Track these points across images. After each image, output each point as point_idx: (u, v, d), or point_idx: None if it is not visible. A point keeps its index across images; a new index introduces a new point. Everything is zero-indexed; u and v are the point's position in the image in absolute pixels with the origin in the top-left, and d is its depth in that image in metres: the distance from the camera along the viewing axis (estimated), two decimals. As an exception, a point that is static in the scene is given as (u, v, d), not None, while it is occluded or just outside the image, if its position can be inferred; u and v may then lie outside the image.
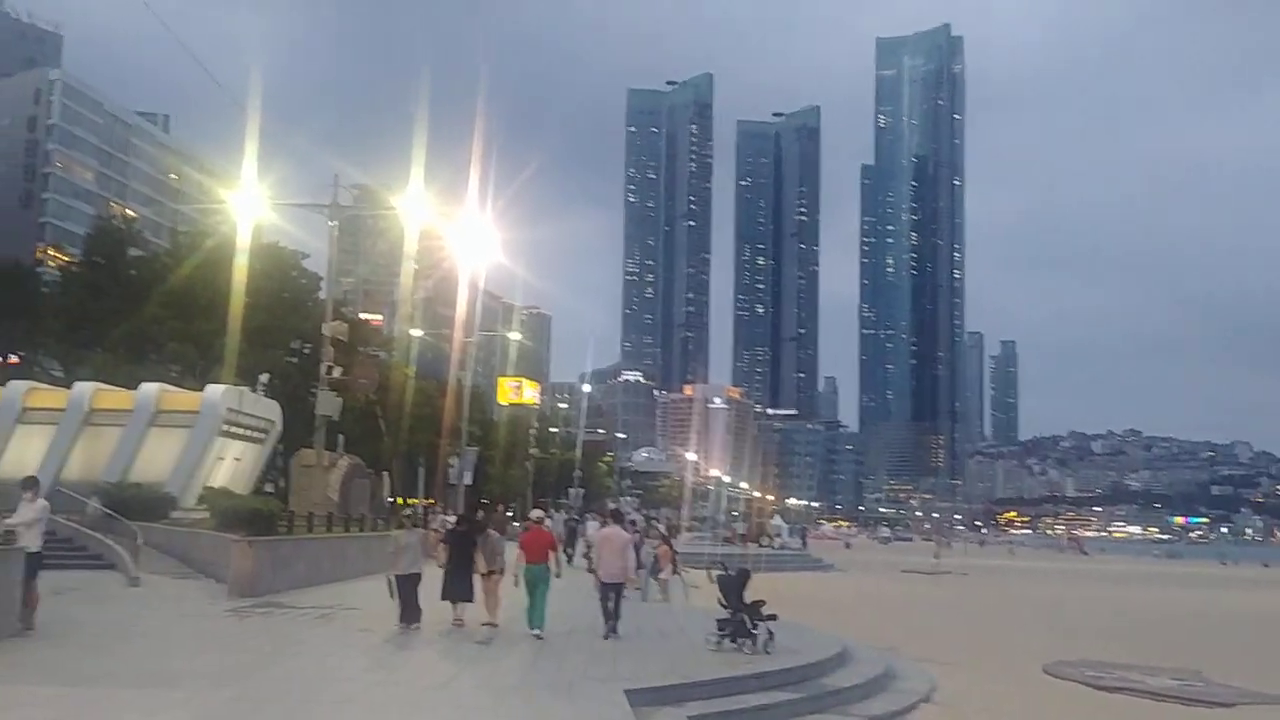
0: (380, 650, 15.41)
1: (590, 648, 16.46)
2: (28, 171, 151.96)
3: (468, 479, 53.99)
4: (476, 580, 17.64)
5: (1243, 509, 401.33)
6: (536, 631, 16.98)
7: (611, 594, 17.61)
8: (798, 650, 17.01)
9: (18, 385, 35.98)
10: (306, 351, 48.46)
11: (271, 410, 38.78)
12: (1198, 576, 72.34)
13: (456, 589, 17.51)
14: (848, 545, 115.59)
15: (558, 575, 17.86)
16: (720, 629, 16.91)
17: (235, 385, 36.53)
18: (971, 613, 34.22)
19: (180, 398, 35.54)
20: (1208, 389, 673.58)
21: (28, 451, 33.29)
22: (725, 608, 17.23)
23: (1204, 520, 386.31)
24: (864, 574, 59.68)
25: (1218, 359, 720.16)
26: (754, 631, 16.63)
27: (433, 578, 17.83)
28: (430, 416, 61.03)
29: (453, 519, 25.44)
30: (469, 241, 42.20)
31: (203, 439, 33.59)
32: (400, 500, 57.50)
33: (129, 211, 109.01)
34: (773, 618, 16.92)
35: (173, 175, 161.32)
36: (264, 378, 37.54)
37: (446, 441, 53.54)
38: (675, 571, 25.90)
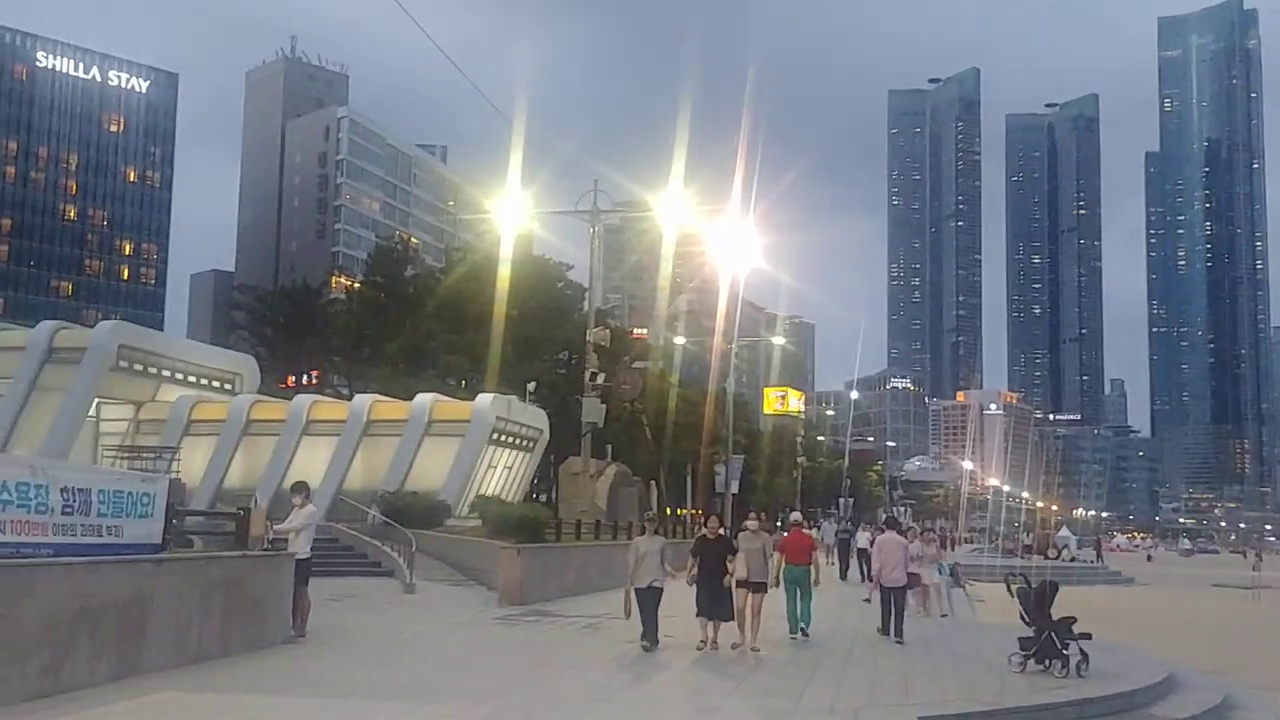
0: (644, 665, 14.36)
1: (873, 665, 14.88)
2: (320, 205, 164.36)
3: (734, 487, 53.05)
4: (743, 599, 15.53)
5: None
6: (802, 627, 17.50)
7: (892, 598, 17.85)
8: (1116, 674, 14.74)
9: (303, 399, 37.92)
10: (572, 361, 49.01)
11: (539, 418, 39.15)
12: None
13: (712, 605, 15.32)
14: (1150, 558, 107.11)
15: (816, 583, 17.75)
16: (1024, 648, 14.85)
17: (504, 394, 37.02)
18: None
19: (452, 407, 36.35)
20: None
21: (313, 462, 34.87)
22: (1028, 624, 15.15)
23: None
24: (1168, 588, 54.54)
25: None
26: (1064, 652, 14.51)
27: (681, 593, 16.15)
28: (694, 425, 60.65)
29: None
30: (730, 248, 41.36)
31: (474, 447, 34.14)
32: (668, 510, 57.34)
33: (412, 238, 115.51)
34: (1086, 636, 14.73)
35: (451, 202, 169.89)
36: (531, 386, 37.94)
37: (711, 450, 52.81)
38: (959, 584, 24.04)
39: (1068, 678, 14.19)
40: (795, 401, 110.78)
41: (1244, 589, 53.90)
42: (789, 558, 17.44)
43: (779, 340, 76.99)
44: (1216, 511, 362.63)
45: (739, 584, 15.42)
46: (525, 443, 38.31)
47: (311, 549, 16.22)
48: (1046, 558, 64.56)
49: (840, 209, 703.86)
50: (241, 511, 15.52)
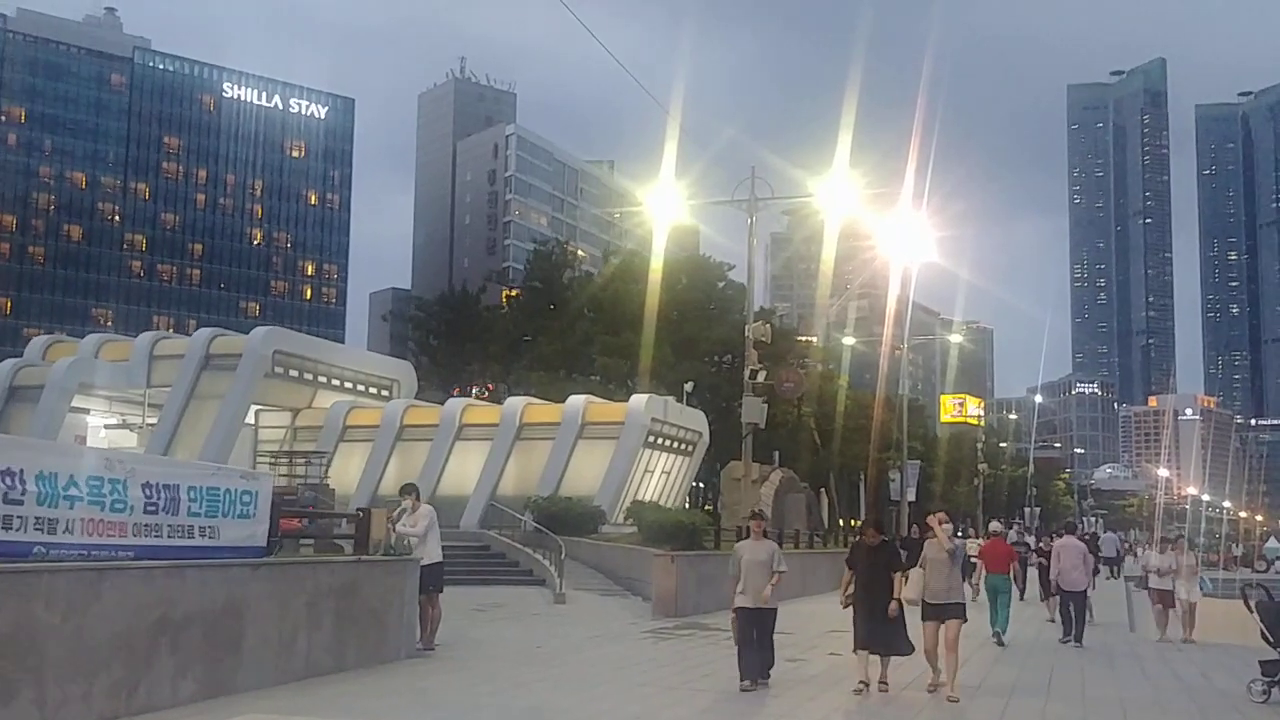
0: (802, 690, 12.39)
1: (1080, 694, 12.53)
2: (490, 221, 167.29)
3: (910, 495, 50.24)
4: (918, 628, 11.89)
5: None
6: (998, 630, 17.72)
7: (1072, 602, 17.89)
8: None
9: (456, 403, 37.25)
10: (733, 362, 47.25)
11: (698, 420, 37.38)
12: None
13: (872, 634, 11.60)
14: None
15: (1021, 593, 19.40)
16: (1267, 673, 12.27)
17: (659, 395, 35.46)
18: None
19: (606, 409, 35.00)
20: None
21: (466, 467, 34.08)
22: (1272, 645, 12.53)
23: None
24: None
25: None
26: (1319, 681, 11.88)
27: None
28: (865, 429, 57.94)
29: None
30: (901, 242, 38.95)
31: (628, 450, 32.64)
32: (841, 520, 54.85)
33: (579, 251, 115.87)
34: (1353, 663, 12.07)
35: (617, 215, 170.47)
36: (688, 387, 36.22)
37: (884, 455, 50.09)
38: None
39: (1327, 714, 11.61)
40: (974, 408, 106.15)
41: None
42: (988, 565, 18.34)
43: (955, 338, 73.03)
44: None
45: (925, 610, 11.85)
46: (684, 446, 36.63)
47: (442, 553, 14.94)
48: (1254, 570, 59.40)
49: (1018, 209, 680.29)
50: (361, 513, 14.29)
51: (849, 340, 59.83)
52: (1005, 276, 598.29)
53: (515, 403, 35.99)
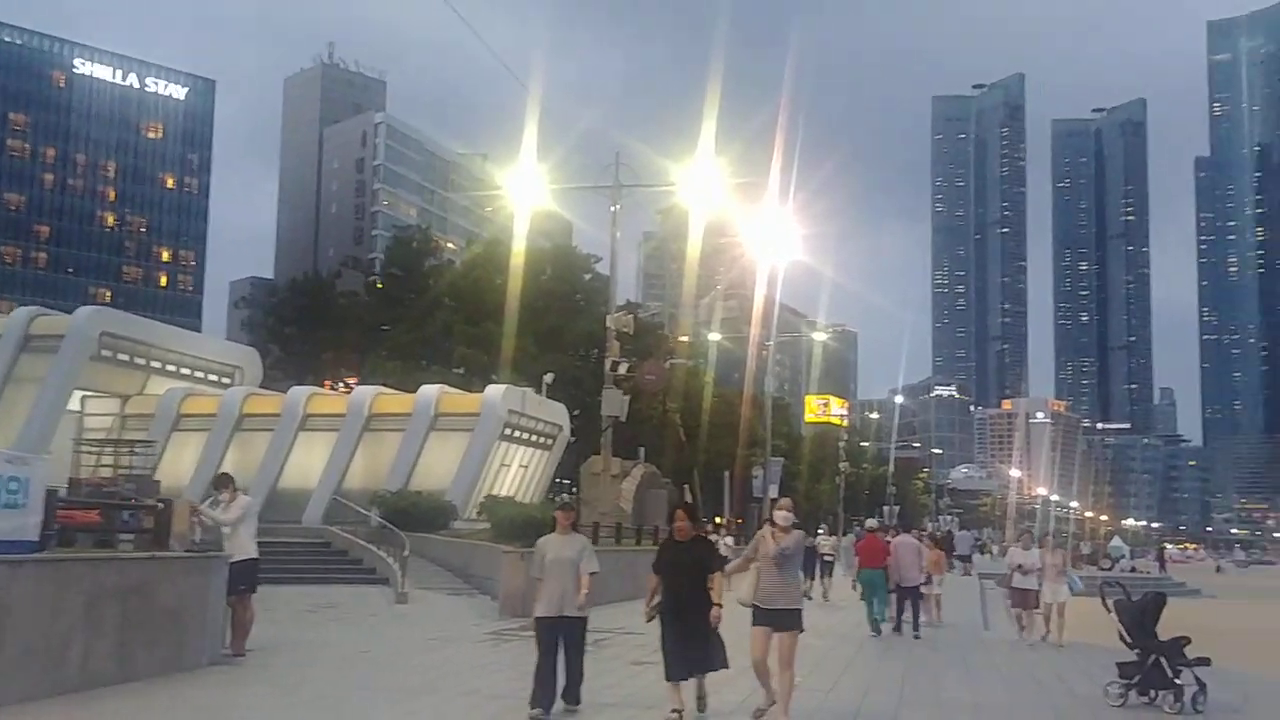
0: (614, 715, 11.49)
1: (935, 697, 11.94)
2: (357, 210, 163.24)
3: (773, 492, 50.18)
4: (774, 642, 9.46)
5: None
6: (879, 630, 18.47)
7: (908, 597, 18.82)
8: (1238, 708, 11.77)
9: (300, 391, 35.39)
10: (598, 355, 46.41)
11: (558, 413, 36.30)
12: None
13: (683, 655, 9.32)
14: (1219, 569, 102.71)
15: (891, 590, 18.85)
16: (1125, 675, 11.83)
17: (520, 387, 34.26)
18: None
19: (460, 400, 33.65)
20: None
21: (310, 459, 32.35)
22: (1130, 646, 12.10)
23: None
24: (1239, 601, 50.94)
25: None
26: (1177, 681, 11.47)
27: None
28: (732, 426, 57.82)
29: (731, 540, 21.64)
30: (768, 241, 38.86)
31: (484, 443, 31.36)
32: (705, 517, 54.46)
33: (449, 244, 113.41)
34: (1203, 662, 11.70)
35: (489, 209, 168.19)
36: (548, 378, 35.08)
37: (749, 452, 49.89)
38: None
39: (1182, 713, 11.22)
40: (838, 409, 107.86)
41: (1322, 602, 50.38)
42: (863, 561, 19.08)
43: (820, 336, 73.66)
44: (1270, 522, 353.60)
45: (755, 614, 9.44)
46: (543, 439, 35.50)
47: (258, 549, 13.58)
48: (1100, 568, 61.27)
49: (886, 216, 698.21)
50: (160, 504, 12.81)
51: (714, 336, 59.55)
52: (871, 281, 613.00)
53: (364, 392, 34.28)
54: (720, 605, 9.22)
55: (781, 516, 9.85)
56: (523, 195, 29.32)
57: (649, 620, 9.58)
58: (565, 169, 31.05)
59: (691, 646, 9.29)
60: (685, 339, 74.70)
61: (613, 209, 28.80)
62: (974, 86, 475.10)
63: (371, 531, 26.27)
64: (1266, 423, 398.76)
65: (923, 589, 21.29)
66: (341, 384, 52.86)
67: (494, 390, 32.58)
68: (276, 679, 11.88)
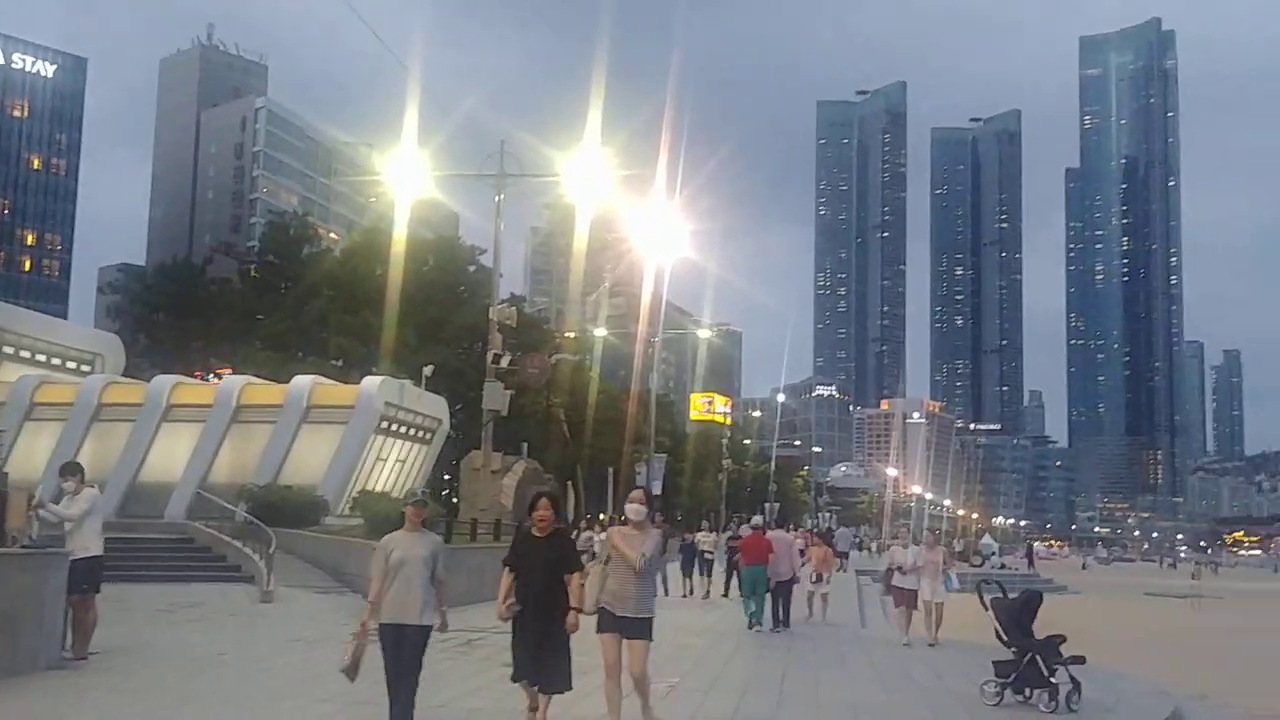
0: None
1: (814, 695, 11.72)
2: (235, 197, 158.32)
3: (656, 488, 50.12)
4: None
5: None
6: (760, 625, 18.64)
7: (782, 591, 19.08)
8: (1110, 707, 11.82)
9: (163, 380, 33.78)
10: (482, 350, 45.56)
11: (438, 407, 35.42)
12: None
13: (537, 661, 8.41)
14: (1085, 566, 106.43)
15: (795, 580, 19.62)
16: (1002, 675, 11.80)
17: (398, 379, 33.31)
18: (1275, 647, 27.47)
19: (334, 391, 32.53)
20: None
21: (174, 451, 30.91)
22: (1006, 645, 12.07)
23: None
24: (1103, 597, 52.64)
25: None
26: (1052, 680, 11.46)
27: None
28: (617, 422, 57.52)
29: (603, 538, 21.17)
30: (656, 237, 38.76)
31: (358, 436, 30.35)
32: (590, 514, 54.17)
33: (332, 234, 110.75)
34: (1078, 660, 11.73)
35: (373, 198, 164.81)
36: (427, 370, 34.19)
37: (634, 449, 49.73)
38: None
39: (1056, 712, 11.20)
40: (722, 407, 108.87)
41: (1178, 598, 52.44)
42: (747, 558, 19.27)
43: (706, 334, 73.94)
44: (1130, 520, 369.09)
45: (602, 619, 8.53)
46: (421, 433, 34.58)
47: (103, 545, 12.65)
48: (971, 564, 62.75)
49: (770, 218, 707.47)
50: (-9, 496, 11.84)
51: (600, 331, 59.20)
52: (757, 281, 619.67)
53: (232, 381, 32.84)
54: (579, 609, 8.31)
55: (633, 510, 8.81)
56: (403, 182, 28.46)
57: (505, 620, 8.52)
58: (450, 158, 30.27)
59: (542, 654, 8.36)
60: (572, 335, 74.27)
61: (497, 199, 28.15)
62: (858, 93, 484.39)
63: (237, 527, 25.15)
64: (1128, 425, 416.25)
65: (811, 587, 21.26)
66: (213, 374, 51.00)
67: (370, 382, 31.54)
68: (117, 684, 11.05)
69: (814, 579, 21.54)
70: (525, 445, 41.06)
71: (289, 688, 11.31)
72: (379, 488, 30.41)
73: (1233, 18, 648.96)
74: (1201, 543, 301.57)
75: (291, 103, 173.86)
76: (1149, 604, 49.39)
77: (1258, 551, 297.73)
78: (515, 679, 8.63)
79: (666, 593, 24.23)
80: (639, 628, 8.52)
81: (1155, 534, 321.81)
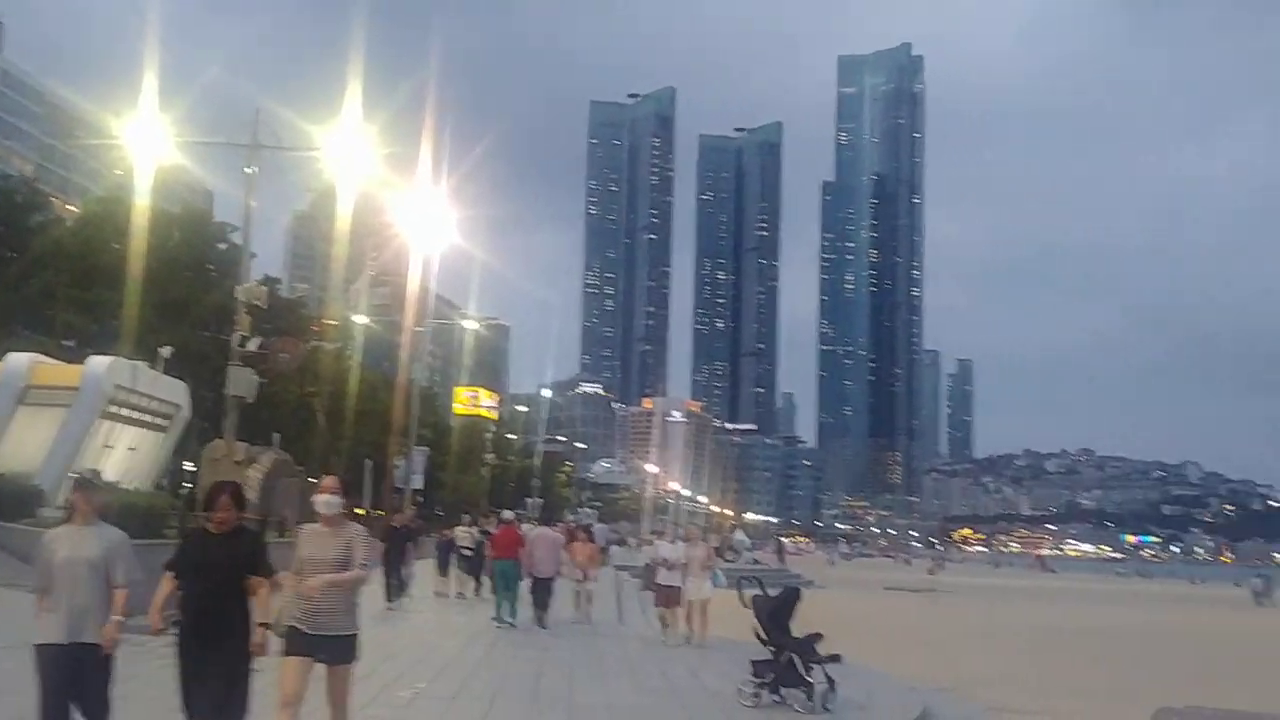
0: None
1: (567, 700, 11.19)
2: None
3: (417, 482, 48.76)
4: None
5: (1193, 529, 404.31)
6: (510, 621, 18.44)
7: (543, 588, 18.96)
8: (863, 705, 11.85)
9: None
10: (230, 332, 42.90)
11: (176, 391, 32.86)
12: (1194, 597, 67.93)
13: (213, 692, 6.67)
14: (832, 562, 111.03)
15: (521, 579, 19.04)
16: (759, 674, 11.63)
17: (130, 359, 30.71)
18: (1010, 641, 29.08)
19: (57, 371, 29.60)
20: (1160, 409, 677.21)
21: None
22: (765, 643, 11.92)
23: (1155, 539, 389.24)
24: (848, 592, 54.81)
25: (1170, 380, 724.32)
26: (809, 679, 11.38)
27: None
28: (377, 413, 55.61)
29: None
30: (422, 224, 37.60)
31: (82, 421, 27.69)
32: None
33: (71, 207, 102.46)
34: (834, 659, 11.70)
35: (118, 171, 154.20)
36: (166, 351, 31.70)
37: (395, 441, 48.18)
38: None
39: (812, 712, 11.11)
40: (487, 401, 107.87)
41: (915, 591, 55.28)
42: (497, 552, 19.35)
43: (472, 325, 72.75)
44: (870, 518, 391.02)
45: (292, 640, 7.13)
46: (156, 420, 31.97)
47: None
48: (725, 560, 64.28)
49: (541, 215, 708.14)
50: None
51: (361, 319, 57.10)
52: (527, 277, 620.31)
53: (-65, 359, 29.46)
54: (267, 626, 6.83)
55: (323, 503, 7.50)
56: (143, 147, 26.15)
57: (159, 633, 6.93)
58: (202, 127, 28.13)
59: (211, 683, 6.63)
60: (334, 323, 71.44)
61: (248, 170, 26.31)
62: (629, 95, 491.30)
63: (-65, 520, 22.46)
64: (871, 428, 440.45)
65: (577, 585, 20.79)
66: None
67: (98, 362, 28.79)
68: None
69: (580, 577, 21.04)
70: (277, 436, 38.91)
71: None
72: (107, 477, 27.85)
73: (978, 52, 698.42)
74: (931, 539, 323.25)
75: (30, 65, 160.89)
76: (890, 598, 51.77)
77: (983, 549, 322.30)
78: (185, 714, 6.78)
79: (395, 596, 21.54)
80: (340, 648, 7.15)
81: (892, 530, 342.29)
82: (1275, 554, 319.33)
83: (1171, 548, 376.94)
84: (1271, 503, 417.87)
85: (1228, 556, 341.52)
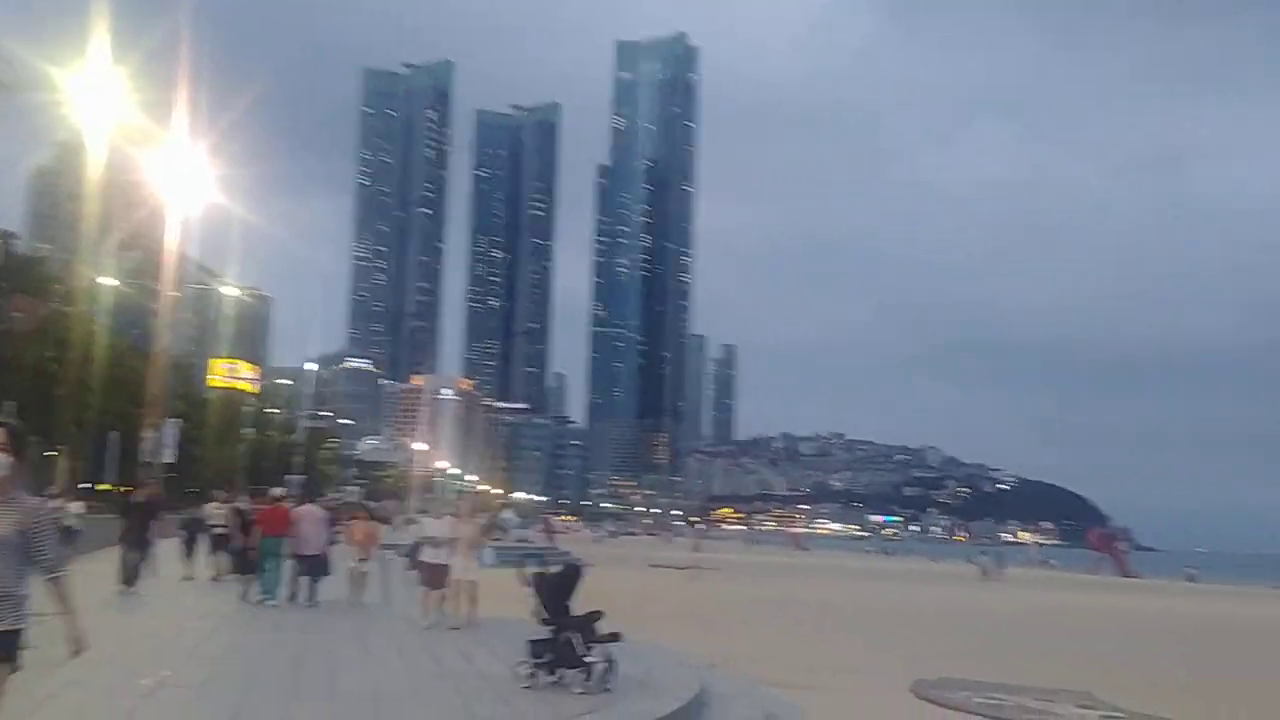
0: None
1: (329, 683, 10.53)
2: None
3: (168, 455, 45.80)
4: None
5: (930, 509, 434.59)
6: (272, 602, 18.42)
7: (312, 565, 18.84)
8: (643, 682, 11.71)
9: None
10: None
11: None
12: (933, 574, 72.37)
13: None
14: (599, 540, 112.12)
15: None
16: (536, 655, 11.28)
17: None
18: (774, 617, 29.92)
19: None
20: (905, 398, 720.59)
21: None
22: (545, 623, 11.57)
23: (898, 519, 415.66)
24: (616, 569, 55.35)
25: (914, 371, 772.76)
26: (587, 659, 11.11)
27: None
28: (127, 381, 52.00)
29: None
30: (177, 188, 35.20)
31: None
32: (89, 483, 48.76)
33: None
34: (614, 638, 11.49)
35: None
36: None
37: (145, 412, 45.17)
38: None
39: (591, 693, 10.85)
40: (247, 374, 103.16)
41: (679, 569, 56.32)
42: (265, 529, 18.84)
43: (232, 293, 69.06)
44: (636, 498, 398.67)
45: None
46: None
47: None
48: (494, 538, 63.97)
49: (313, 184, 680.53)
50: None
51: (109, 281, 53.14)
52: (292, 246, 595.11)
53: None
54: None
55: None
56: None
57: None
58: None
59: None
60: (80, 286, 66.34)
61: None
62: (405, 65, 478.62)
63: None
64: (639, 409, 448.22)
65: (350, 568, 19.99)
66: None
67: None
68: None
69: (356, 558, 20.07)
70: (14, 405, 36.22)
71: None
72: None
73: (756, 50, 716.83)
74: (693, 518, 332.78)
75: None
76: (655, 575, 52.49)
77: (741, 527, 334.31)
78: None
79: (134, 579, 19.95)
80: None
81: (655, 510, 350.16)
82: (1002, 533, 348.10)
83: (911, 527, 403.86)
84: (1000, 485, 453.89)
85: (961, 535, 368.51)
